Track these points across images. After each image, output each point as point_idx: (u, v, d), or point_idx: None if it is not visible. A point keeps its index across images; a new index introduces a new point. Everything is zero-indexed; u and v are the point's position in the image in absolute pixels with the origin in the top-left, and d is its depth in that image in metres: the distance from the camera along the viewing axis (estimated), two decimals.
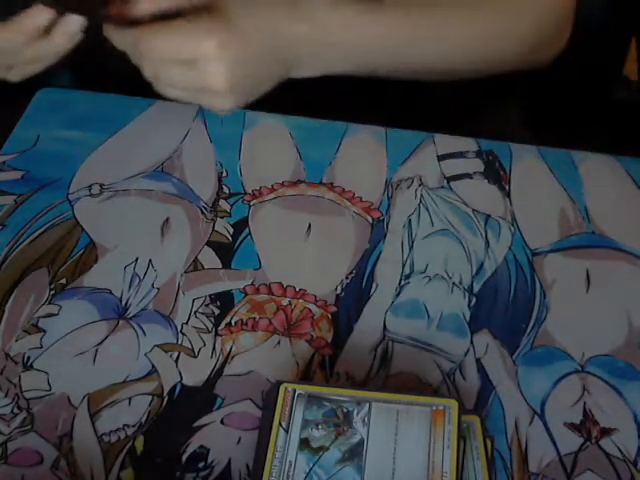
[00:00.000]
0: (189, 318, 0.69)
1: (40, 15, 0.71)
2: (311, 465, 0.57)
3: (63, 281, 0.71)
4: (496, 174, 0.82)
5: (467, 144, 0.84)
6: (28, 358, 0.65)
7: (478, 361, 0.67)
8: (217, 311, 0.69)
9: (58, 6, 0.70)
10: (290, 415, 0.59)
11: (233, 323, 0.69)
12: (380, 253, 0.74)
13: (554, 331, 0.70)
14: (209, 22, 0.71)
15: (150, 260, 0.72)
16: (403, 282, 0.72)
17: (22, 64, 0.76)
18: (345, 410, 0.60)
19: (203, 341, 0.67)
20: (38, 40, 0.72)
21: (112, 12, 0.72)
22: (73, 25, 0.72)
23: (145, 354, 0.66)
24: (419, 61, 0.82)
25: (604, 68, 1.10)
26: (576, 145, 0.85)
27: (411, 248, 0.75)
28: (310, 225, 0.76)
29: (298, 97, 0.86)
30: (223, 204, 0.78)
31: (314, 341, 0.68)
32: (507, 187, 0.81)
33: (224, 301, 0.70)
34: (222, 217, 0.76)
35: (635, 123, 1.09)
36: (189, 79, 0.72)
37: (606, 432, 0.63)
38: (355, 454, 0.57)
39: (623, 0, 1.04)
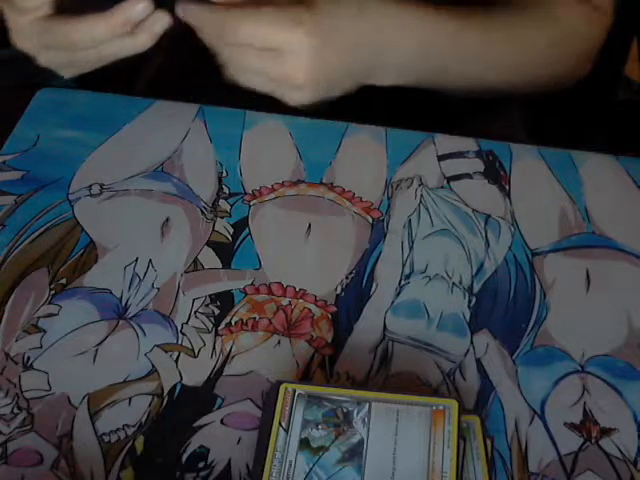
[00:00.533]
0: (189, 318, 0.69)
1: (135, 8, 0.67)
2: (311, 465, 0.57)
3: (63, 281, 0.71)
4: (496, 174, 0.82)
5: (467, 144, 0.84)
6: (28, 358, 0.65)
7: (478, 361, 0.67)
8: (217, 311, 0.69)
9: None
10: (290, 415, 0.59)
11: (233, 323, 0.69)
12: (380, 253, 0.74)
13: (554, 331, 0.70)
14: (299, 12, 0.69)
15: (150, 260, 0.72)
16: (403, 282, 0.72)
17: (92, 61, 0.72)
18: (345, 410, 0.60)
19: (203, 341, 0.67)
20: (122, 37, 0.69)
21: None
22: (160, 23, 0.69)
23: (145, 354, 0.66)
24: (484, 78, 0.84)
25: (605, 68, 1.10)
26: (576, 145, 0.85)
27: (411, 248, 0.75)
28: (310, 225, 0.76)
29: None
30: (223, 204, 0.78)
31: (314, 341, 0.68)
32: (507, 187, 0.81)
33: (224, 301, 0.70)
34: (222, 217, 0.76)
35: (635, 123, 1.09)
36: (269, 66, 0.70)
37: (606, 432, 0.63)
38: (355, 454, 0.57)
39: (624, 0, 1.04)
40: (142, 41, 0.70)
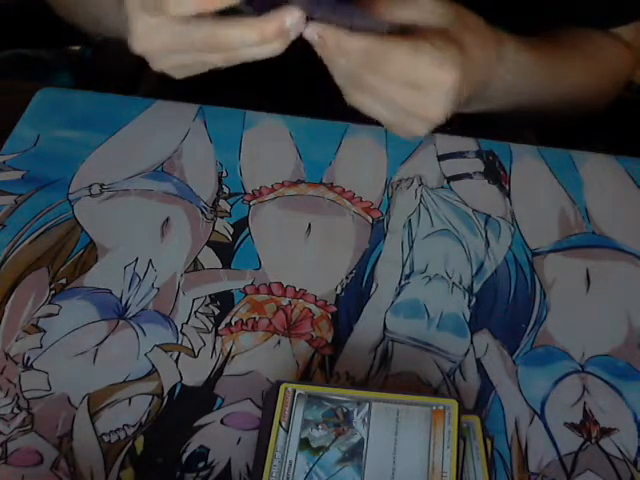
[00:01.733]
0: (189, 318, 0.69)
1: (291, 17, 0.63)
2: (311, 465, 0.57)
3: (63, 281, 0.71)
4: (496, 174, 0.82)
5: (467, 144, 0.84)
6: (28, 358, 0.65)
7: (478, 361, 0.67)
8: (217, 311, 0.69)
9: (311, 8, 0.63)
10: (290, 415, 0.59)
11: (233, 323, 0.69)
12: (380, 253, 0.75)
13: (554, 331, 0.70)
14: (455, 55, 0.66)
15: (150, 260, 0.72)
16: (403, 282, 0.72)
17: (216, 63, 0.68)
18: (345, 410, 0.60)
19: (203, 341, 0.67)
20: (265, 43, 0.64)
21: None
22: (295, 31, 0.64)
23: (145, 354, 0.66)
24: (542, 109, 0.86)
25: None
26: (576, 145, 0.85)
27: (411, 248, 0.75)
28: (310, 225, 0.76)
29: (298, 97, 0.86)
30: (223, 204, 0.78)
31: (314, 341, 0.68)
32: (507, 187, 0.81)
33: (224, 301, 0.70)
34: (222, 217, 0.77)
35: (635, 123, 1.09)
36: (407, 101, 0.67)
37: (606, 432, 0.63)
38: (355, 454, 0.57)
39: None
40: (275, 47, 0.65)
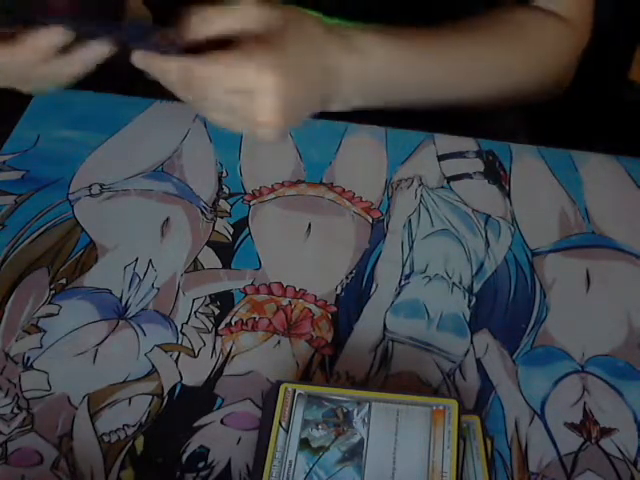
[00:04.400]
0: (189, 318, 0.69)
1: (55, 37, 0.67)
2: (311, 465, 0.57)
3: (63, 281, 0.71)
4: (496, 174, 0.82)
5: (467, 144, 0.84)
6: (28, 358, 0.65)
7: (478, 361, 0.67)
8: (217, 311, 0.69)
9: (79, 32, 0.67)
10: (290, 415, 0.59)
11: (233, 323, 0.69)
12: (380, 253, 0.75)
13: (554, 331, 0.70)
14: (267, 54, 0.68)
15: (150, 260, 0.72)
16: (403, 282, 0.72)
17: (38, 80, 0.73)
18: (345, 410, 0.60)
19: (203, 341, 0.67)
20: (54, 59, 0.69)
21: (161, 40, 0.69)
22: (92, 54, 0.69)
23: (145, 354, 0.66)
24: (451, 99, 0.83)
25: (608, 71, 1.10)
26: (576, 145, 0.85)
27: (411, 248, 0.75)
28: (310, 225, 0.76)
29: None
30: (223, 204, 0.78)
31: (314, 341, 0.68)
32: (507, 187, 0.81)
33: (224, 301, 0.70)
34: (222, 217, 0.77)
35: (635, 123, 1.09)
36: (238, 106, 0.70)
37: (606, 432, 0.63)
38: (355, 454, 0.57)
39: (629, 5, 1.05)
40: (76, 64, 0.70)
